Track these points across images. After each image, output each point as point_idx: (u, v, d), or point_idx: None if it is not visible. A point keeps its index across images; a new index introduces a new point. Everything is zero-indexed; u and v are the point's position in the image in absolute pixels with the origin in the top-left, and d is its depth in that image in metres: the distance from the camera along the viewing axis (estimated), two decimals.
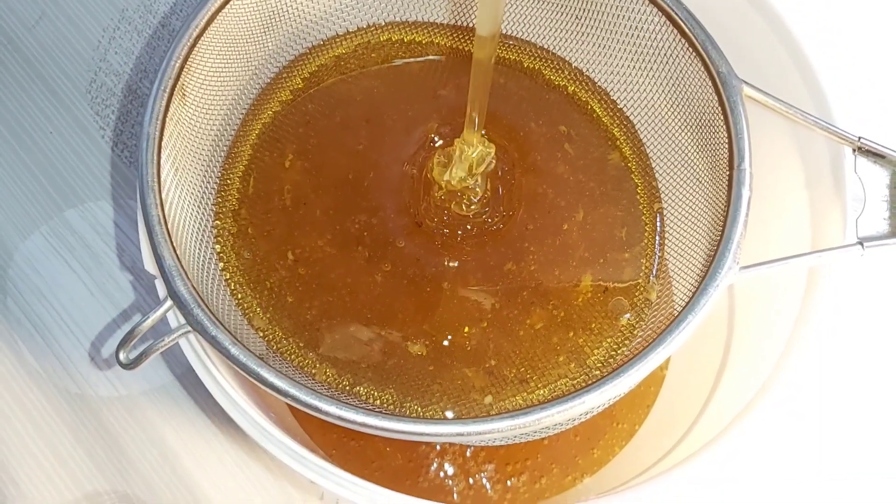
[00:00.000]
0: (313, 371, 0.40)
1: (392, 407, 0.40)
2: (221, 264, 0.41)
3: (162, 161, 0.36)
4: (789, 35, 0.42)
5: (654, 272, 0.43)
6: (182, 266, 0.34)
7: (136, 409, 0.50)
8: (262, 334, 0.40)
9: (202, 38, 0.38)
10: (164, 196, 0.35)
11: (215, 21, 0.38)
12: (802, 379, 0.39)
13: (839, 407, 0.47)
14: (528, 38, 0.46)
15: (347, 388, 0.40)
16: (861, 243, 0.37)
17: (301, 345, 0.41)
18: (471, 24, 0.47)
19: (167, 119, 0.36)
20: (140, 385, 0.51)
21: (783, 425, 0.47)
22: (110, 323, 0.52)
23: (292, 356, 0.40)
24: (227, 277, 0.41)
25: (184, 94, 0.38)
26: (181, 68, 0.37)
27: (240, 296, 0.41)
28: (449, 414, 0.39)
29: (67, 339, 0.51)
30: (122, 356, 0.33)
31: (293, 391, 0.33)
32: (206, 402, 0.50)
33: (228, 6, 0.39)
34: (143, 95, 0.57)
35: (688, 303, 0.35)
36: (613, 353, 0.41)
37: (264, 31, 0.42)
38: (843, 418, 0.47)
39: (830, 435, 0.47)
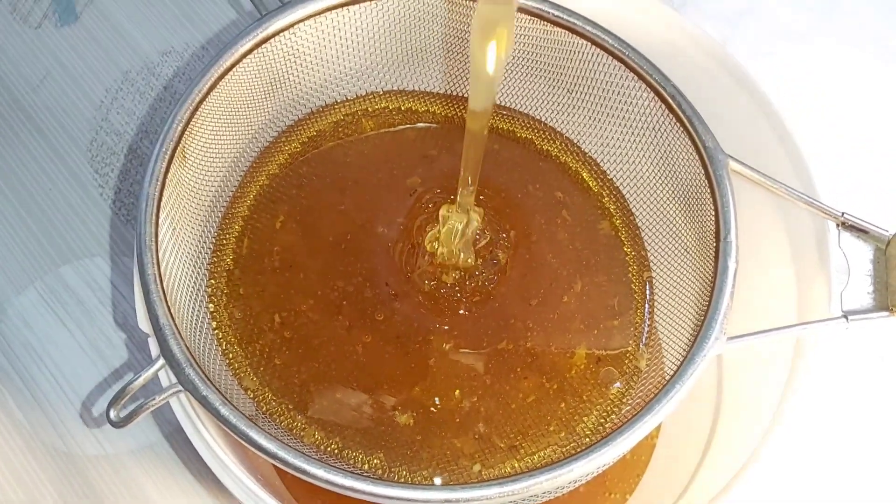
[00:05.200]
0: (302, 434, 0.40)
1: (380, 472, 0.40)
2: (214, 323, 0.41)
3: (160, 221, 0.36)
4: (774, 113, 0.43)
5: (644, 341, 0.43)
6: (176, 325, 0.34)
7: (122, 468, 0.50)
8: (251, 395, 0.40)
9: (204, 103, 0.39)
10: (160, 255, 0.36)
11: (218, 86, 0.39)
12: (790, 449, 0.40)
13: (827, 475, 0.47)
14: (521, 109, 0.48)
15: (336, 451, 0.40)
16: (846, 316, 0.37)
17: (290, 407, 0.41)
18: (465, 94, 0.48)
19: (167, 180, 0.37)
20: (127, 444, 0.50)
21: (771, 495, 0.47)
22: (100, 380, 0.52)
23: (281, 418, 0.40)
24: (220, 337, 0.41)
25: (184, 157, 0.38)
26: (183, 131, 0.38)
27: (231, 356, 0.41)
28: (437, 481, 0.39)
29: (57, 396, 0.51)
30: (112, 414, 0.33)
31: (282, 453, 0.33)
32: (193, 462, 0.50)
33: (231, 72, 0.40)
34: (142, 155, 0.58)
35: (675, 373, 0.36)
36: (603, 421, 0.41)
37: (265, 97, 0.43)
38: (831, 486, 0.47)
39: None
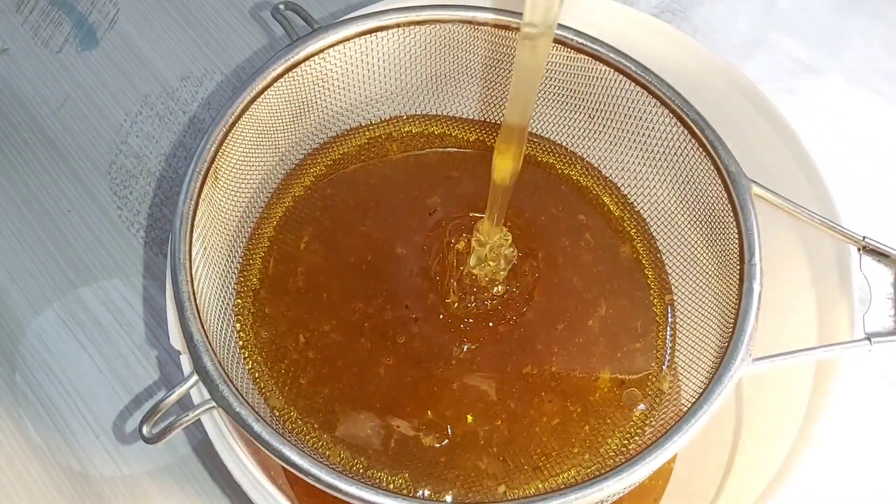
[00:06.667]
0: (327, 452, 0.40)
1: (405, 492, 0.40)
2: (241, 342, 0.41)
3: (193, 239, 0.37)
4: (794, 137, 0.44)
5: (667, 363, 0.43)
6: (209, 342, 0.35)
7: (138, 489, 0.49)
8: (278, 413, 0.40)
9: (237, 124, 0.39)
10: (193, 273, 0.36)
11: (250, 109, 0.40)
12: (812, 475, 0.40)
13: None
14: (542, 134, 0.48)
15: (361, 470, 0.40)
16: (868, 339, 0.38)
17: (315, 426, 0.41)
18: (489, 119, 0.49)
19: (200, 200, 0.37)
20: (144, 465, 0.50)
21: None
22: (117, 401, 0.52)
23: (307, 436, 0.40)
24: (246, 356, 0.41)
25: (216, 177, 0.39)
26: (216, 152, 0.38)
27: (257, 374, 0.41)
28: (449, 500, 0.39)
29: (73, 417, 0.51)
30: (145, 430, 0.33)
31: (314, 470, 0.33)
32: (209, 483, 0.50)
33: (263, 95, 0.40)
34: (161, 178, 0.58)
35: (703, 392, 0.36)
36: (626, 442, 0.41)
37: (294, 120, 0.44)
38: None
39: None
